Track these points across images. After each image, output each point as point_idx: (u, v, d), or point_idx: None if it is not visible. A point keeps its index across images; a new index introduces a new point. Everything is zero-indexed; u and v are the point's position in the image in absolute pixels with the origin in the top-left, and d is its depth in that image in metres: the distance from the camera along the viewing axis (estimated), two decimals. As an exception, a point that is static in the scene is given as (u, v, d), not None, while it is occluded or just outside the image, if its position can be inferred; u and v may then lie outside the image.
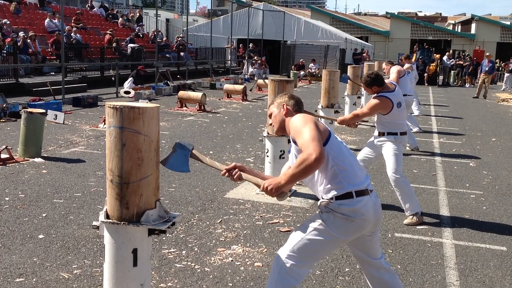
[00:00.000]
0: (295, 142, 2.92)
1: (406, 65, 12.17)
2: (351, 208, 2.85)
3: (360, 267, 3.28)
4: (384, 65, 10.70)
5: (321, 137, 2.83)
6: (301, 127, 2.86)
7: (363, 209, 2.86)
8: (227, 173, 2.94)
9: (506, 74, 26.73)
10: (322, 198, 2.93)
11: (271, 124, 3.22)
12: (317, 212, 2.97)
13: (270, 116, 3.19)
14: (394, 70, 9.82)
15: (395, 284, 3.17)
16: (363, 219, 2.87)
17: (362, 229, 2.91)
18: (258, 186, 2.92)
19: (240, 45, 29.34)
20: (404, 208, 5.40)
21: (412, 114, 11.87)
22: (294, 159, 2.93)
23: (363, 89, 6.40)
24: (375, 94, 5.48)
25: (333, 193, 2.87)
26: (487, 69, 21.35)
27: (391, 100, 5.38)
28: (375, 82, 5.43)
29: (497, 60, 32.20)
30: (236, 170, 2.93)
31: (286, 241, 3.01)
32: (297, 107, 3.16)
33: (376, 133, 5.60)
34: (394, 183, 5.37)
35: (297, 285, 2.92)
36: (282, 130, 3.13)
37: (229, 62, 28.08)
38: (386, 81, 5.62)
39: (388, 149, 5.43)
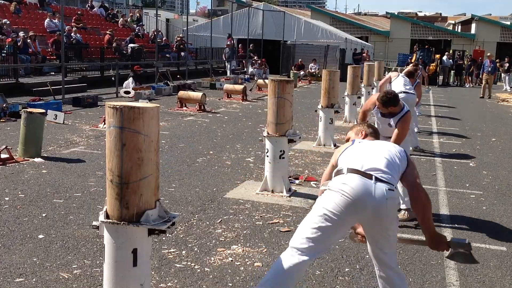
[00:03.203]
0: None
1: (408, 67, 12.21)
2: None
3: (374, 265, 3.37)
4: (392, 73, 10.41)
5: None
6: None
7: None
8: None
9: (503, 75, 26.77)
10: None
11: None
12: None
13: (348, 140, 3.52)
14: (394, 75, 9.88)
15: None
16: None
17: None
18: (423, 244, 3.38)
19: (240, 45, 29.31)
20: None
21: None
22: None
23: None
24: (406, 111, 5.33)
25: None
26: (489, 69, 21.38)
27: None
28: (392, 102, 5.22)
29: (497, 60, 32.21)
30: None
31: (286, 242, 3.02)
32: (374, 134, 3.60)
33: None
34: None
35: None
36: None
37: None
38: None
39: None
